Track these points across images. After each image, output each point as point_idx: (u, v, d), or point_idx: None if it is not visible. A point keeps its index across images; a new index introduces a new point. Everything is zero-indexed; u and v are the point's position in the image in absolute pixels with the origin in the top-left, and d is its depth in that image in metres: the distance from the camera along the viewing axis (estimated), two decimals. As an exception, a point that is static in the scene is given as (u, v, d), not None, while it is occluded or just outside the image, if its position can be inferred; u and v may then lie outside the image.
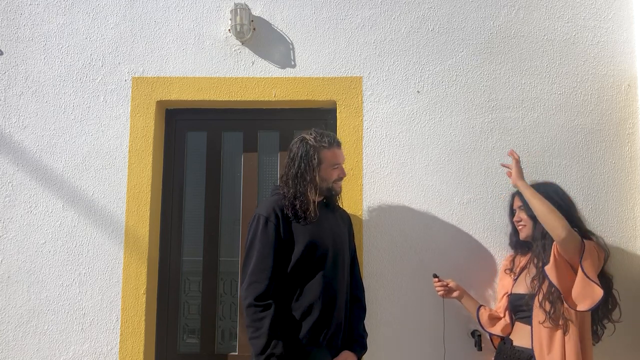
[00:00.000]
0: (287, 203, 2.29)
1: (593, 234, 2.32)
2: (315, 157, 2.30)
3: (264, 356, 2.12)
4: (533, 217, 2.31)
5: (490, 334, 2.47)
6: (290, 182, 2.31)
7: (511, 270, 2.48)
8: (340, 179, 2.40)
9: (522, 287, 2.34)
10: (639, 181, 2.71)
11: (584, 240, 2.19)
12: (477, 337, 2.54)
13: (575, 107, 2.76)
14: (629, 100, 2.76)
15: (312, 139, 2.33)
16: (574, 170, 2.71)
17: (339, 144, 2.40)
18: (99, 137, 2.79)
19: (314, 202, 2.30)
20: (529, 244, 2.39)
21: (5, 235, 2.74)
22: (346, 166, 2.71)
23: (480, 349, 2.53)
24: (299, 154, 2.32)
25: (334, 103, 2.80)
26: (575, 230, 2.19)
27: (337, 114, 2.79)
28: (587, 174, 2.71)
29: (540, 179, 2.61)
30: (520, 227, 2.41)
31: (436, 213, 2.70)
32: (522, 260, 2.45)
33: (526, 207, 2.35)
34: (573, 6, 2.83)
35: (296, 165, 2.31)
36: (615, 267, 2.61)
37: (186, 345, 2.86)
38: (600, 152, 2.73)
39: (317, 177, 2.30)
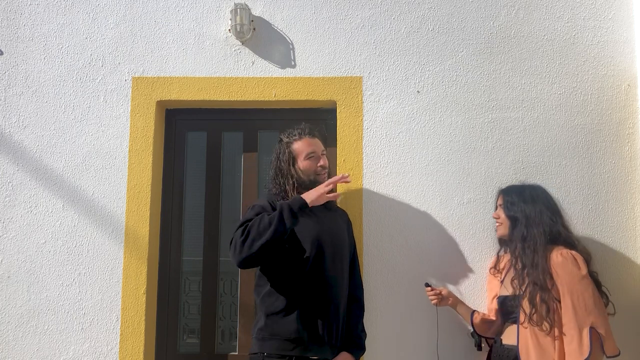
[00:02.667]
0: (279, 200, 2.32)
1: (577, 240, 2.31)
2: (287, 152, 2.35)
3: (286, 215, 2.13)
4: (512, 218, 2.33)
5: (484, 337, 2.49)
6: (274, 181, 2.38)
7: (496, 269, 2.48)
8: (322, 168, 2.38)
9: (507, 289, 2.33)
10: (639, 181, 2.71)
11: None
12: (477, 337, 2.54)
13: (575, 107, 2.76)
14: (629, 100, 2.76)
15: (285, 136, 2.41)
16: (574, 170, 2.71)
17: (312, 134, 2.40)
18: (99, 137, 2.79)
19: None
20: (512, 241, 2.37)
21: (5, 235, 2.74)
22: (346, 166, 2.72)
23: (480, 349, 2.53)
24: (276, 153, 2.41)
25: (334, 103, 2.80)
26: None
27: (337, 114, 2.79)
28: (587, 173, 2.71)
29: (541, 179, 2.61)
30: (497, 224, 2.43)
31: (436, 213, 2.70)
32: (506, 258, 2.44)
33: (506, 207, 2.36)
34: (573, 6, 2.83)
35: (274, 164, 2.40)
36: (615, 267, 2.62)
37: (186, 345, 2.86)
38: (600, 152, 2.73)
39: (293, 171, 2.34)
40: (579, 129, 2.74)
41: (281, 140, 2.42)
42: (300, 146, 2.37)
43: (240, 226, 2.19)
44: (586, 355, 2.07)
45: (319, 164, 2.37)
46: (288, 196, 2.31)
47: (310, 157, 2.36)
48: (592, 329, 2.09)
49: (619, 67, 2.78)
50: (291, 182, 2.33)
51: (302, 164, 2.36)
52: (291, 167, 2.34)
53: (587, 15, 2.82)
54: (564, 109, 2.76)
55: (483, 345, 2.54)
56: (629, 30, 2.80)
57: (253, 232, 2.12)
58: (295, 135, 2.38)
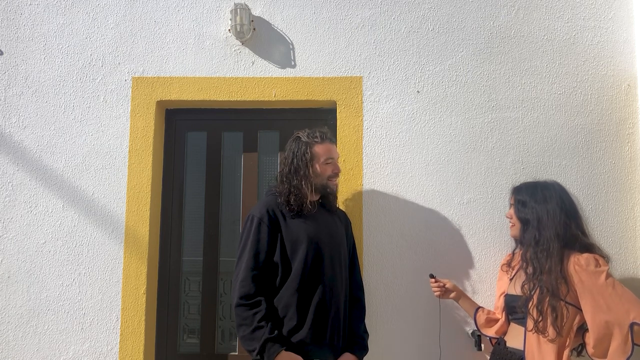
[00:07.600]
0: (282, 199, 2.32)
1: (593, 244, 2.23)
2: (308, 152, 2.34)
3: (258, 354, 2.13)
4: (523, 220, 2.26)
5: (487, 336, 2.46)
6: (284, 178, 2.35)
7: (508, 265, 2.43)
8: (335, 175, 2.41)
9: (517, 288, 2.29)
10: (639, 181, 2.71)
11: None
12: (476, 337, 2.54)
13: (575, 107, 2.76)
14: (629, 100, 2.76)
15: (305, 136, 2.39)
16: (574, 170, 2.71)
17: (332, 140, 2.43)
18: (99, 137, 2.79)
19: (309, 198, 2.33)
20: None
21: (5, 235, 2.74)
22: (346, 166, 2.72)
23: (480, 348, 2.53)
24: (292, 151, 2.37)
25: (334, 103, 2.80)
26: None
27: (337, 114, 2.79)
28: (587, 174, 2.71)
29: (541, 179, 2.60)
30: (510, 224, 2.37)
31: (436, 213, 2.70)
32: (519, 256, 2.39)
33: (517, 208, 2.29)
34: (573, 6, 2.83)
35: (289, 162, 2.36)
36: (615, 267, 2.62)
37: (186, 345, 2.86)
38: (600, 152, 2.73)
39: (310, 172, 2.33)
40: (579, 129, 2.75)
41: (299, 138, 2.38)
42: (321, 149, 2.36)
43: (237, 281, 2.23)
44: (629, 353, 2.03)
45: (333, 170, 2.39)
46: (302, 195, 2.30)
47: (328, 163, 2.38)
48: (634, 324, 2.03)
49: (619, 67, 2.78)
50: (306, 182, 2.32)
51: (319, 167, 2.36)
52: (309, 166, 2.34)
53: (587, 15, 2.82)
54: (564, 109, 2.76)
55: (483, 345, 2.54)
56: (629, 30, 2.80)
57: (238, 320, 2.20)
58: (317, 138, 2.37)
